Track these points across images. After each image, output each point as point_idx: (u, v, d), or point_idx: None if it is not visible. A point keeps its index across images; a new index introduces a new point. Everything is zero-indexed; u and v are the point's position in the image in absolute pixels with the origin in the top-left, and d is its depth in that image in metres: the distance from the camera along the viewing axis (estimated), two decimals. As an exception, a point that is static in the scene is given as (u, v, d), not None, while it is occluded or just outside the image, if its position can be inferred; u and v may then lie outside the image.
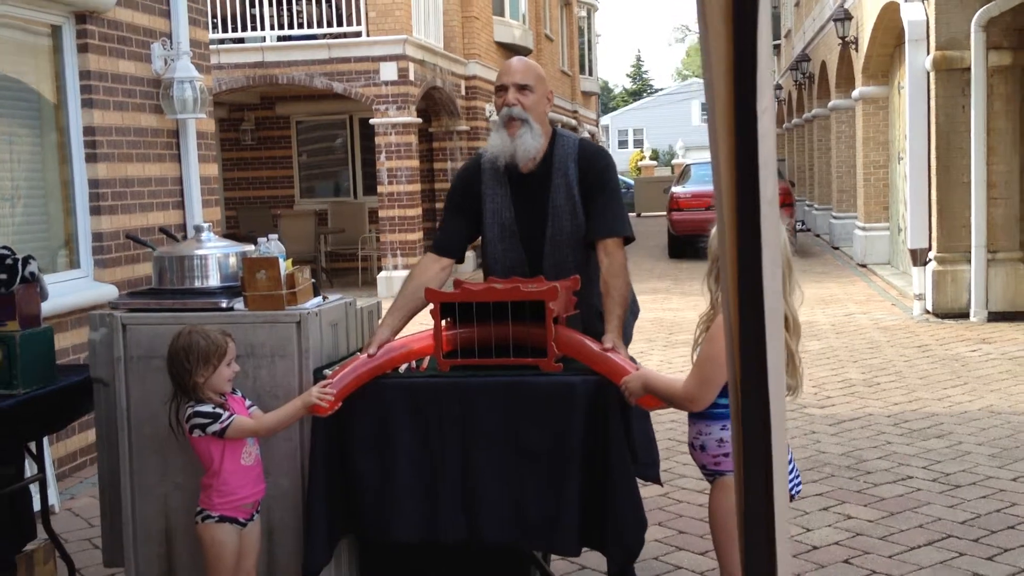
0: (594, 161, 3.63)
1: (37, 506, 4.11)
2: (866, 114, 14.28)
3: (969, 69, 9.38)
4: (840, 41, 14.72)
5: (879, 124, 14.19)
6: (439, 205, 16.78)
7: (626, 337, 3.55)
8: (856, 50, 14.22)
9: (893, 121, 13.56)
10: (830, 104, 17.17)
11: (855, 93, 14.49)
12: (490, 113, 17.41)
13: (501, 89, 3.58)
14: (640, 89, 71.32)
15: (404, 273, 13.94)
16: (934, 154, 9.76)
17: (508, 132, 3.54)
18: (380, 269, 14.49)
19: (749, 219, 1.10)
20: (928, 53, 9.82)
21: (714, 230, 2.92)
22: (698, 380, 2.83)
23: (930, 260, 9.82)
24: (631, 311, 3.69)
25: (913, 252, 10.21)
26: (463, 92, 16.80)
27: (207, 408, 3.12)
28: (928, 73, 9.86)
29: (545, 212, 3.60)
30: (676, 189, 17.74)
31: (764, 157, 1.08)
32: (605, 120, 51.97)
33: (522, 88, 3.53)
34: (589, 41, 32.67)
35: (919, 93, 10.01)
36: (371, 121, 14.03)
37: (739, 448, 1.15)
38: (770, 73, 1.09)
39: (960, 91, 9.58)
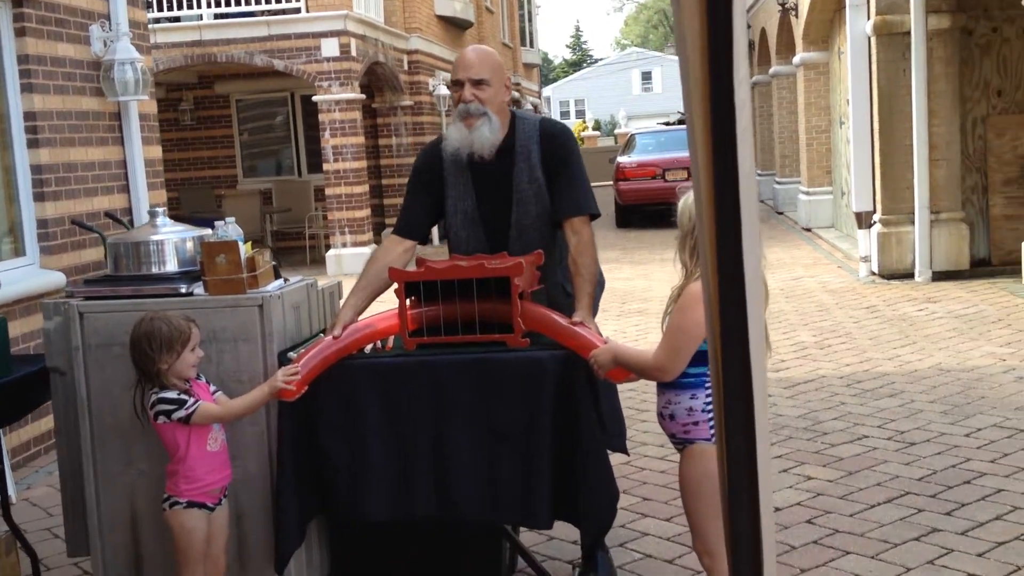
0: (556, 140, 3.61)
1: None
2: (807, 79, 14.42)
3: (909, 33, 9.50)
4: (780, 8, 14.83)
5: (820, 89, 14.34)
6: (385, 182, 16.69)
7: (593, 310, 3.56)
8: (796, 16, 14.34)
9: (834, 86, 13.72)
10: (771, 71, 17.31)
11: (796, 59, 14.62)
12: (433, 88, 17.29)
13: (457, 84, 3.55)
14: (580, 60, 71.29)
15: (352, 251, 13.86)
16: (876, 118, 9.90)
17: (465, 125, 3.52)
18: (328, 248, 14.37)
19: (728, 190, 1.11)
20: (868, 18, 9.93)
21: (682, 201, 2.94)
22: (668, 350, 2.85)
23: (875, 223, 9.98)
24: (599, 283, 3.70)
25: (858, 215, 10.36)
26: (405, 67, 16.66)
27: (172, 395, 3.08)
28: (869, 38, 9.98)
29: (509, 198, 3.58)
30: (622, 159, 17.81)
31: (742, 128, 1.08)
32: (547, 91, 51.87)
33: (477, 83, 3.49)
34: (529, 12, 32.55)
35: (860, 58, 10.12)
36: (314, 98, 13.87)
37: (721, 417, 1.15)
38: (745, 43, 1.09)
39: (900, 55, 9.71)
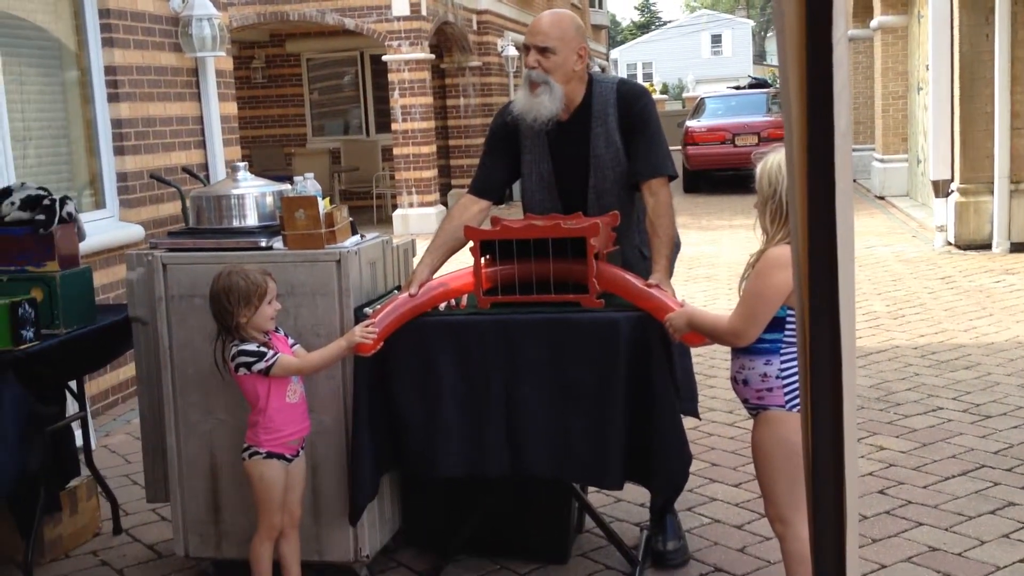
0: (633, 102, 3.57)
1: (78, 444, 4.15)
2: (885, 44, 14.08)
3: (994, -3, 9.22)
4: (859, -31, 14.46)
5: (898, 54, 14.00)
6: (452, 143, 16.70)
7: (669, 273, 3.54)
8: (875, -22, 13.98)
9: (912, 51, 13.38)
10: (848, 34, 16.91)
11: (874, 22, 14.27)
12: (502, 48, 17.22)
13: (526, 48, 3.53)
14: (648, 22, 70.42)
15: (419, 211, 13.92)
16: (957, 84, 9.63)
17: (530, 91, 3.50)
18: (395, 207, 14.45)
19: (821, 151, 1.08)
20: (952, -20, 9.64)
21: (760, 166, 2.88)
22: (744, 315, 2.81)
23: (952, 191, 9.75)
24: (675, 244, 3.67)
25: (935, 183, 10.13)
26: (475, 27, 16.60)
27: (252, 347, 3.13)
28: (951, 1, 9.69)
29: (586, 162, 3.56)
30: (691, 123, 17.59)
31: (839, 87, 1.06)
32: (614, 54, 51.37)
33: (543, 50, 3.46)
34: (599, -27, 32.17)
35: (942, 22, 9.85)
36: (384, 58, 13.90)
37: (807, 383, 1.13)
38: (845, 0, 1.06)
39: (984, 19, 9.42)
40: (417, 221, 13.83)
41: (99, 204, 6.04)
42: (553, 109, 3.47)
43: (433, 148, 14.36)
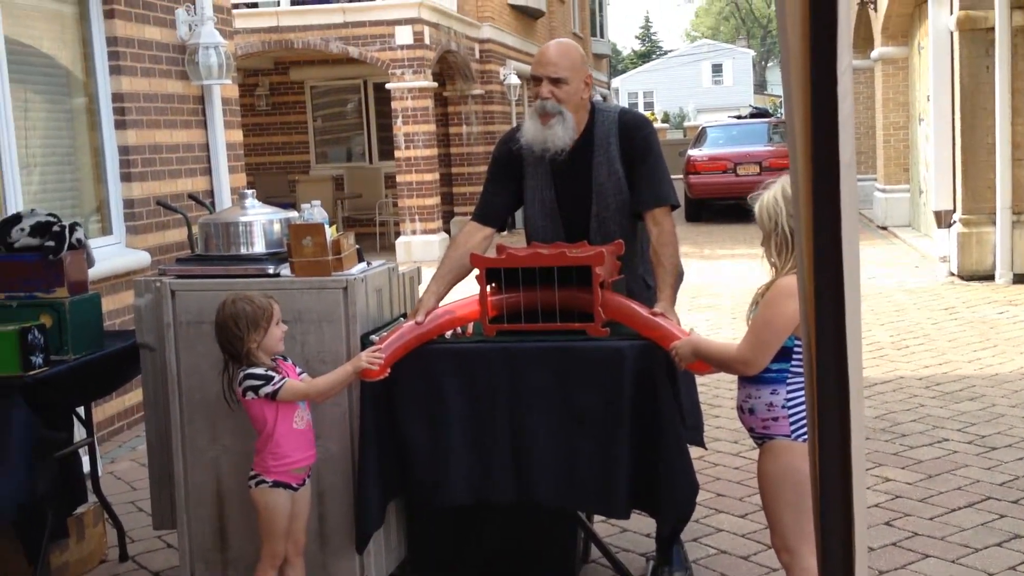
0: (635, 132, 3.60)
1: (85, 470, 4.15)
2: (886, 75, 14.17)
3: (993, 29, 9.28)
4: (859, 1, 14.57)
5: (899, 85, 14.08)
6: (455, 170, 16.76)
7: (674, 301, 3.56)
8: (875, 9, 14.09)
9: (913, 82, 13.46)
10: (848, 65, 16.99)
11: (874, 53, 14.36)
12: (504, 76, 17.32)
13: (536, 79, 3.57)
14: (649, 51, 70.81)
15: (422, 239, 13.95)
16: (958, 115, 9.69)
17: (541, 122, 3.52)
18: (398, 234, 14.48)
19: (827, 182, 1.09)
20: (951, 13, 9.71)
21: (760, 203, 2.89)
22: (753, 344, 2.82)
23: (954, 222, 9.78)
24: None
25: (937, 214, 10.16)
26: (477, 55, 16.71)
27: (260, 371, 3.14)
28: (952, 33, 9.77)
29: (589, 191, 3.58)
30: (693, 152, 17.66)
31: (843, 118, 1.07)
32: (615, 83, 51.63)
33: (556, 81, 3.50)
34: (600, 2, 32.41)
35: (942, 53, 9.91)
36: (387, 86, 13.98)
37: (814, 413, 1.14)
38: (849, 31, 1.07)
39: (984, 51, 9.49)
40: (420, 248, 13.86)
41: (106, 230, 6.06)
42: (566, 139, 3.51)
43: (436, 175, 14.42)
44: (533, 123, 3.56)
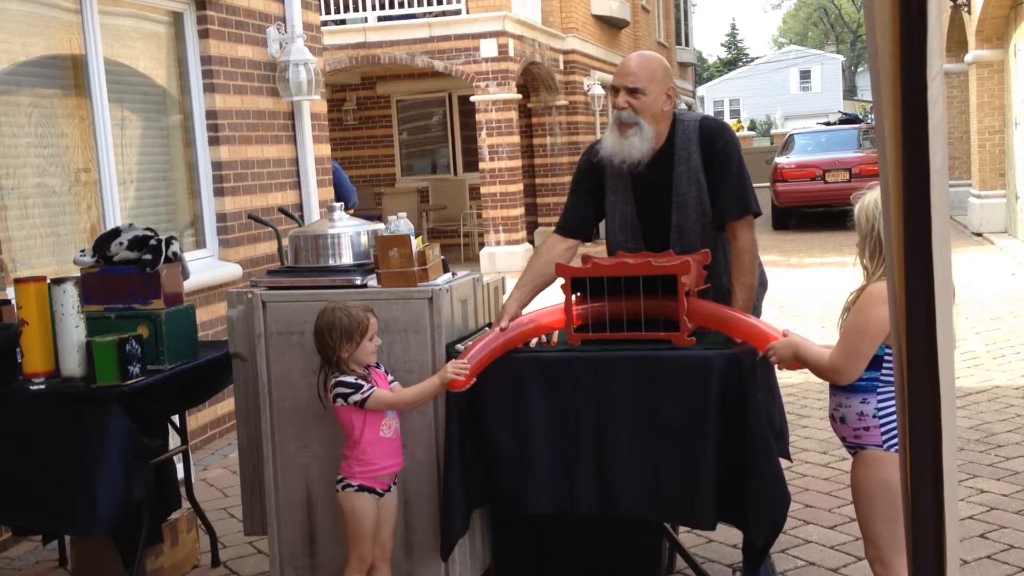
0: (716, 140, 3.56)
1: (179, 477, 4.27)
2: (980, 78, 13.81)
3: (1095, 28, 8.99)
4: (952, 4, 14.23)
5: (994, 88, 13.71)
6: (539, 181, 16.81)
7: (755, 311, 3.53)
8: (968, 12, 13.74)
9: (1009, 85, 13.09)
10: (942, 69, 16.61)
11: (968, 57, 14.01)
12: (588, 87, 17.32)
13: (615, 89, 3.57)
14: (735, 58, 70.06)
15: (506, 249, 14.02)
16: (1057, 118, 9.39)
17: (619, 133, 3.52)
18: (482, 245, 14.58)
19: (918, 189, 1.08)
20: (1050, 12, 9.44)
21: (859, 204, 2.85)
22: (845, 351, 2.78)
23: (1053, 228, 9.48)
24: (761, 283, 3.66)
25: (1035, 220, 9.85)
26: (561, 67, 16.75)
27: (350, 379, 3.20)
28: (1050, 33, 9.48)
29: (668, 202, 3.57)
30: (780, 159, 17.44)
31: (934, 125, 1.05)
32: (700, 91, 51.22)
33: (632, 91, 3.49)
34: (685, 11, 32.23)
35: (1040, 54, 9.63)
36: (472, 98, 14.10)
37: (905, 422, 1.12)
38: (940, 36, 1.06)
39: (1085, 51, 9.19)
40: (504, 259, 13.93)
41: (200, 244, 6.24)
42: (644, 150, 3.50)
43: (520, 186, 14.48)
44: (612, 134, 3.56)
